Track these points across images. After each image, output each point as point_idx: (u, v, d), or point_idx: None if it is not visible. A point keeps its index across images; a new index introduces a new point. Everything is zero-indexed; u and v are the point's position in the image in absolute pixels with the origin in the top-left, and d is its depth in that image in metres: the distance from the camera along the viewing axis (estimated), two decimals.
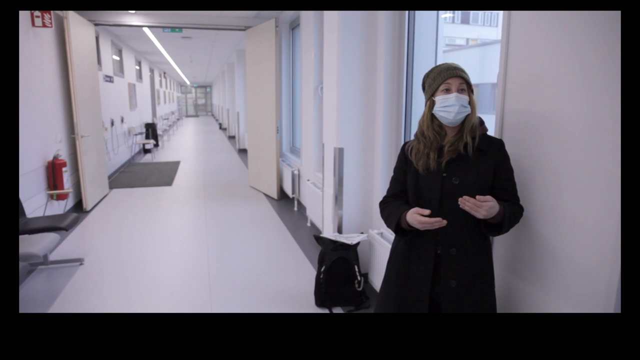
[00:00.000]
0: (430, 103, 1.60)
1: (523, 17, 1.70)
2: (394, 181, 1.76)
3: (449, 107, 1.54)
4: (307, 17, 4.77)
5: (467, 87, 1.57)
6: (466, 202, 1.44)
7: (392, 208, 1.68)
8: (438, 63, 2.92)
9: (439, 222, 1.48)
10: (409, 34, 2.94)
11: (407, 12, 2.90)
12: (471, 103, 1.56)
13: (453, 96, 1.53)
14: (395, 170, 1.76)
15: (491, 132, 1.75)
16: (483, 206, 1.44)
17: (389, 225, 1.70)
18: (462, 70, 1.57)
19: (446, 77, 1.55)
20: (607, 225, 1.36)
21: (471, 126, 1.57)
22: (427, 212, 1.51)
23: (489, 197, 1.46)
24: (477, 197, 1.44)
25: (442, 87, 1.56)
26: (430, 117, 1.61)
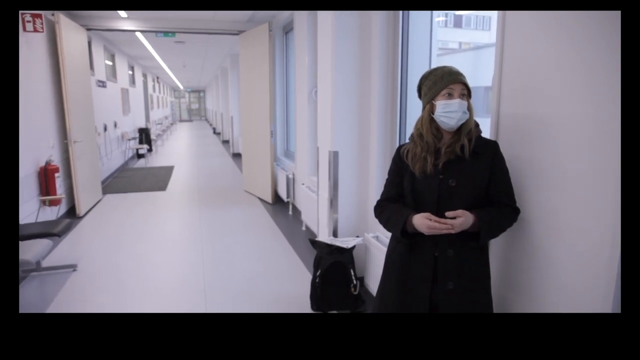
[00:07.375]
0: (430, 106, 1.60)
1: (517, 20, 1.70)
2: (390, 184, 1.76)
3: (452, 113, 1.54)
4: (301, 20, 4.78)
5: (467, 92, 1.58)
6: (435, 228, 1.49)
7: (393, 210, 1.67)
8: (432, 66, 2.94)
9: (447, 228, 1.49)
10: (403, 37, 2.94)
11: (400, 15, 2.91)
12: (469, 108, 1.57)
13: (456, 102, 1.54)
14: (390, 173, 1.76)
15: (486, 135, 1.75)
16: (454, 224, 1.48)
17: (390, 228, 1.68)
18: (464, 76, 1.58)
19: (449, 82, 1.55)
20: (605, 228, 1.35)
21: (469, 129, 1.58)
22: (435, 218, 1.53)
23: (459, 212, 1.50)
24: (446, 213, 1.50)
25: (444, 92, 1.56)
26: (429, 121, 1.61)
